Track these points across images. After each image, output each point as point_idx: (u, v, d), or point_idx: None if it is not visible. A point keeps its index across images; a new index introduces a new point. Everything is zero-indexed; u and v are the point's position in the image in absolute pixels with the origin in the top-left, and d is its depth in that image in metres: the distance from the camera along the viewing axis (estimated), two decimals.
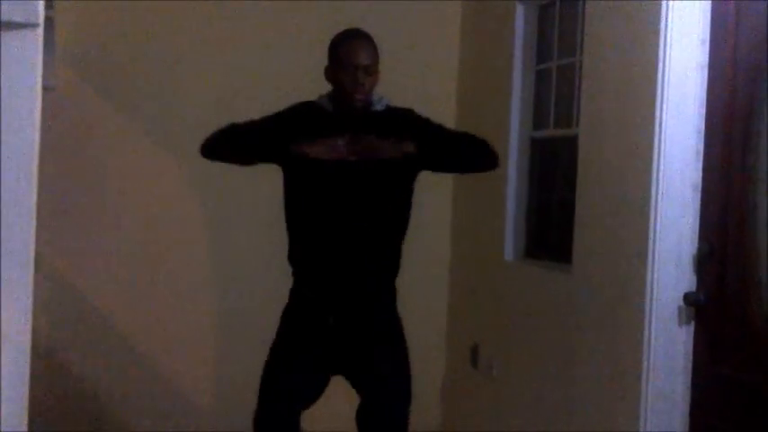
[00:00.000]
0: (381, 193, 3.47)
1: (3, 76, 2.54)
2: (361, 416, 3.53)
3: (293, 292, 3.56)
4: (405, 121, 3.56)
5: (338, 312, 3.46)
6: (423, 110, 5.22)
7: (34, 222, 2.63)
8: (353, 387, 3.55)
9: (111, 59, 5.00)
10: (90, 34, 4.93)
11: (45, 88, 2.75)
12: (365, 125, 3.47)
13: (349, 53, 3.43)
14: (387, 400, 3.53)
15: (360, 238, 3.44)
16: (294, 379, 3.47)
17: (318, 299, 3.48)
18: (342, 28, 3.57)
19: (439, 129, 3.56)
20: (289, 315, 3.55)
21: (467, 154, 3.54)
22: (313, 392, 3.51)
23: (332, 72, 3.48)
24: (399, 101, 5.35)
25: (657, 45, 3.33)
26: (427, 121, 3.57)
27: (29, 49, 2.58)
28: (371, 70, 3.45)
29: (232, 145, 3.54)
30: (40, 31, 2.58)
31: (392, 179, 3.47)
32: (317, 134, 3.40)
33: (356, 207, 3.44)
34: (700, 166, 3.31)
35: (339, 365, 3.50)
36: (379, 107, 3.54)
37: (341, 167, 3.39)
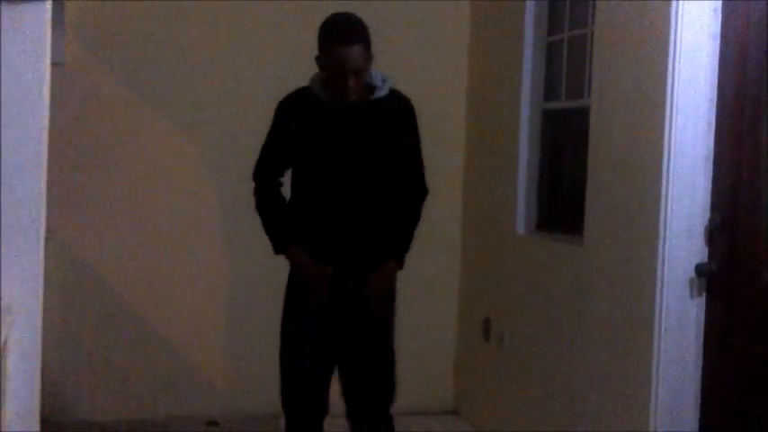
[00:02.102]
0: (371, 172, 3.60)
1: (11, 51, 2.55)
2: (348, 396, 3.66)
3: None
4: (398, 115, 3.64)
5: (338, 262, 3.57)
6: (435, 82, 5.26)
7: (44, 197, 2.64)
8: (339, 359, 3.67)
9: (121, 35, 4.99)
10: (100, 10, 4.92)
11: (54, 64, 2.75)
12: (362, 113, 3.56)
13: (338, 59, 3.42)
14: (371, 391, 3.66)
15: (354, 208, 3.57)
16: (309, 338, 3.59)
17: (320, 251, 3.58)
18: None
19: (413, 148, 3.70)
20: (292, 277, 3.67)
21: (408, 207, 3.71)
22: (328, 358, 3.62)
23: (321, 65, 3.51)
24: (411, 75, 5.36)
25: (669, 15, 3.31)
26: (414, 129, 3.70)
27: (37, 25, 2.59)
28: (361, 70, 3.45)
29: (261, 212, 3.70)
30: (49, 5, 2.58)
31: (377, 166, 3.60)
32: (316, 124, 3.54)
33: (352, 182, 3.57)
34: (711, 137, 3.29)
35: (340, 323, 3.60)
36: (381, 93, 3.59)
37: (337, 150, 3.55)
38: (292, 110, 3.62)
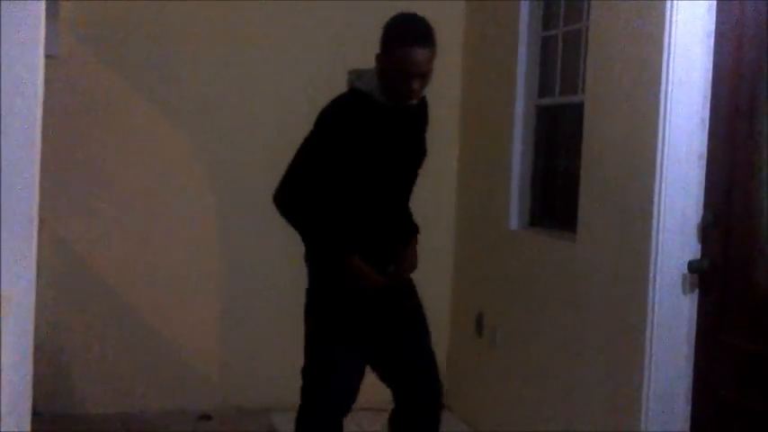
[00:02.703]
0: (415, 173, 3.54)
1: (5, 43, 2.54)
2: (400, 419, 3.52)
3: (324, 282, 3.44)
4: (426, 112, 3.59)
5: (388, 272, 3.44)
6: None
7: (38, 188, 2.63)
8: (381, 376, 3.53)
9: (115, 27, 4.98)
10: (94, 2, 4.91)
11: (48, 56, 2.75)
12: (411, 116, 3.47)
13: (407, 61, 3.25)
14: (424, 399, 3.53)
15: (397, 207, 3.50)
16: (348, 372, 3.39)
17: (373, 259, 3.39)
18: None
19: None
20: (330, 302, 3.42)
21: None
22: (358, 382, 3.44)
23: (383, 66, 3.31)
24: None
25: (664, 12, 3.31)
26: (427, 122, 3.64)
27: (31, 17, 2.58)
28: (428, 74, 3.32)
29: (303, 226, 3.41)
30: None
31: (418, 165, 3.55)
32: (375, 132, 3.33)
33: (401, 185, 3.49)
34: (705, 134, 3.30)
35: (376, 342, 3.46)
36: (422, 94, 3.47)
37: (395, 155, 3.40)
38: (350, 121, 3.33)
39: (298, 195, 3.33)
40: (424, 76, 3.30)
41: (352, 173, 3.32)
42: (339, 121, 3.33)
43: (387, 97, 3.34)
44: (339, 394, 3.38)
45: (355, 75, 3.39)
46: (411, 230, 3.57)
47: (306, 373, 3.41)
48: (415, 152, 3.51)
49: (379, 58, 3.31)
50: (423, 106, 3.54)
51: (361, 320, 3.39)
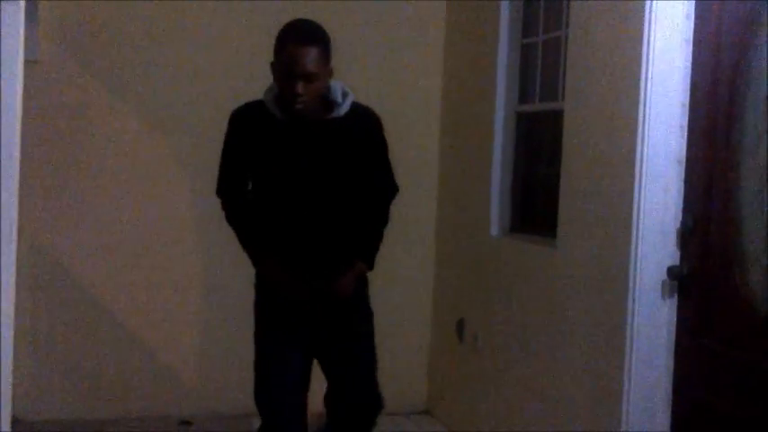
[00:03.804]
0: (334, 191, 3.45)
1: None
2: (333, 399, 3.59)
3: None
4: (361, 132, 3.46)
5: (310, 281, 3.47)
6: (410, 83, 5.28)
7: (17, 194, 2.62)
8: (322, 367, 3.59)
9: (95, 32, 4.98)
10: (74, 6, 4.90)
11: (28, 61, 2.74)
12: (320, 132, 3.38)
13: (288, 60, 3.21)
14: (357, 381, 3.57)
15: (319, 222, 3.44)
16: (281, 362, 3.47)
17: (290, 264, 3.46)
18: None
19: (380, 158, 3.55)
20: (262, 291, 3.56)
21: (377, 209, 3.61)
22: (297, 372, 3.51)
23: (274, 72, 3.32)
24: (386, 75, 5.37)
25: (643, 19, 3.33)
26: (381, 145, 3.54)
27: (11, 22, 2.57)
28: (314, 78, 3.22)
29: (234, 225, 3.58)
30: (22, 3, 2.57)
31: (341, 184, 3.46)
32: (269, 143, 3.36)
33: (313, 201, 3.42)
34: (684, 140, 3.31)
35: (315, 335, 3.52)
36: (341, 111, 3.39)
37: (300, 177, 3.38)
38: (244, 125, 3.41)
39: (222, 193, 3.53)
40: (309, 79, 3.22)
41: (253, 178, 3.44)
42: (233, 122, 3.44)
43: (281, 108, 3.32)
44: (275, 382, 3.46)
45: (270, 85, 3.40)
46: (344, 253, 3.49)
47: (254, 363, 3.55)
48: (322, 172, 3.39)
49: (271, 65, 3.32)
50: (356, 124, 3.43)
51: (290, 318, 3.46)
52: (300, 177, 3.38)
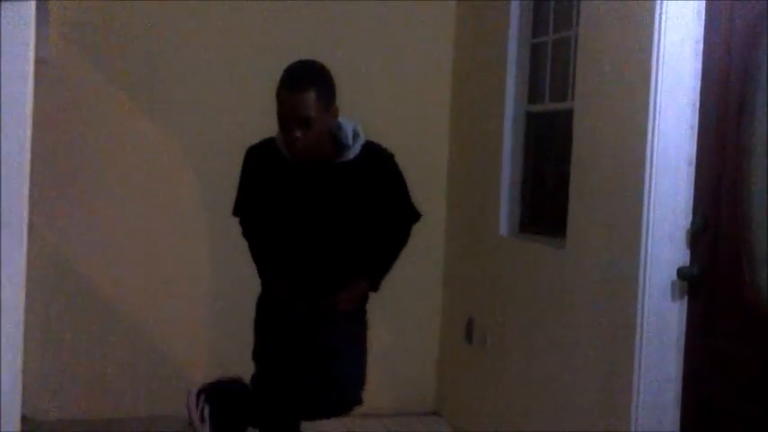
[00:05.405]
0: (339, 233, 3.46)
1: None
2: (311, 390, 3.52)
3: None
4: (373, 174, 3.43)
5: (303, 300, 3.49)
6: (419, 83, 5.27)
7: (27, 193, 2.63)
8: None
9: (106, 31, 4.97)
10: (85, 6, 4.90)
11: (38, 60, 2.74)
12: (329, 176, 3.36)
13: (282, 105, 3.20)
14: (338, 375, 3.51)
15: (324, 254, 3.46)
16: (269, 357, 3.59)
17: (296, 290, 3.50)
18: None
19: (398, 194, 3.54)
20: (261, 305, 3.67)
21: (390, 248, 3.61)
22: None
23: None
24: (395, 76, 5.36)
25: (653, 19, 3.32)
26: (396, 182, 3.52)
27: (22, 20, 2.57)
28: (312, 121, 3.17)
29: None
30: (33, 2, 2.58)
31: (347, 227, 3.47)
32: (278, 184, 3.39)
33: (319, 240, 3.44)
34: (694, 140, 3.31)
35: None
36: (351, 155, 3.36)
37: (306, 220, 3.41)
38: (257, 164, 3.44)
39: (236, 214, 3.59)
40: (306, 123, 3.17)
41: (264, 212, 3.48)
42: (248, 159, 3.48)
43: (286, 149, 3.33)
44: (267, 373, 3.56)
45: None
46: (350, 275, 3.48)
47: None
48: (330, 217, 3.40)
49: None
50: (368, 167, 3.41)
51: (279, 321, 3.54)
52: (306, 220, 3.40)
